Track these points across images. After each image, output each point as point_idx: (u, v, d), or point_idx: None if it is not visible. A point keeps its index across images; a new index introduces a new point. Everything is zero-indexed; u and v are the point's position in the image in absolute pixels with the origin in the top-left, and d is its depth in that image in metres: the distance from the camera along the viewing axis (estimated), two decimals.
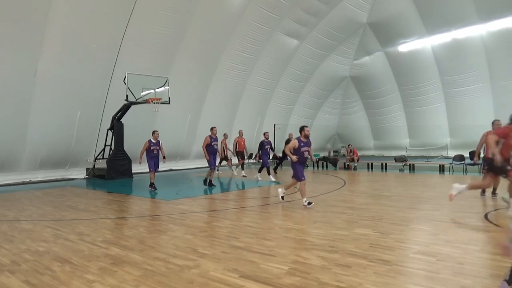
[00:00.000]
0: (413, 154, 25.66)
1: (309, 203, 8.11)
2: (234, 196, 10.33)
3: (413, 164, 17.66)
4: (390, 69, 26.13)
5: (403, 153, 24.83)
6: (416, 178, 14.35)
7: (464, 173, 15.21)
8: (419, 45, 23.99)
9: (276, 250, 4.96)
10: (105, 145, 15.87)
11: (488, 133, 8.66)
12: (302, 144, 8.22)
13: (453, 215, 7.12)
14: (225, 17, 18.11)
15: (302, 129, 8.40)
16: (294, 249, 4.97)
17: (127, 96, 14.45)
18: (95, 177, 15.67)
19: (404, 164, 17.96)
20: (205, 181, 12.34)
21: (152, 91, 15.22)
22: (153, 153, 11.36)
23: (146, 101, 14.84)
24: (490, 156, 7.23)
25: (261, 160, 14.32)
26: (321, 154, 23.84)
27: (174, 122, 18.41)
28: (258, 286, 3.72)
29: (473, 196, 9.44)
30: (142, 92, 14.94)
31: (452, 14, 21.35)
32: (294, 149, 8.20)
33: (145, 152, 11.52)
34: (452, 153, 20.59)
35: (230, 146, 16.55)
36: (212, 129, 12.13)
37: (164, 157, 11.76)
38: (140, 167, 16.94)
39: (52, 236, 5.98)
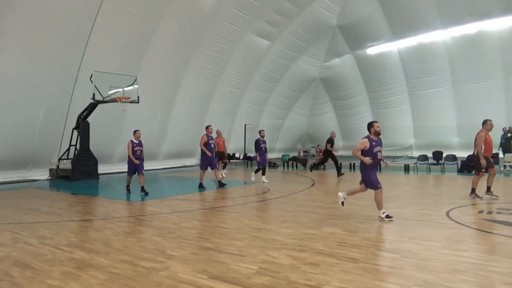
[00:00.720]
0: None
1: (388, 217, 6.67)
2: (204, 197, 10.25)
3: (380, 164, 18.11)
4: (358, 71, 26.75)
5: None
6: (383, 177, 14.72)
7: (428, 173, 15.76)
8: (387, 48, 24.71)
9: (246, 250, 4.95)
10: (70, 145, 15.34)
11: (481, 132, 8.79)
12: (373, 143, 6.85)
13: (417, 212, 7.36)
14: (197, 16, 17.94)
15: (371, 125, 6.98)
16: (264, 249, 4.98)
17: (93, 94, 14.03)
18: (59, 178, 15.11)
19: None
20: (200, 185, 11.53)
21: (120, 89, 14.84)
22: (136, 154, 10.61)
23: (113, 100, 14.46)
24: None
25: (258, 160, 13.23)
26: (291, 154, 24.07)
27: (143, 121, 18.03)
28: (228, 287, 3.70)
29: (437, 194, 9.78)
30: (110, 90, 14.54)
31: (417, 19, 22.14)
32: (364, 150, 6.83)
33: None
34: (416, 153, 21.32)
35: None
36: (207, 127, 11.59)
37: (143, 159, 10.93)
38: (106, 168, 16.49)
39: (11, 240, 5.71)
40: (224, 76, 21.89)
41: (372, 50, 25.33)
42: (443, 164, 15.99)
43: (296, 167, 20.20)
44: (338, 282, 3.77)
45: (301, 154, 29.75)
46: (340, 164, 15.45)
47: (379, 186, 6.78)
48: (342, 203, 7.48)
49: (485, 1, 19.91)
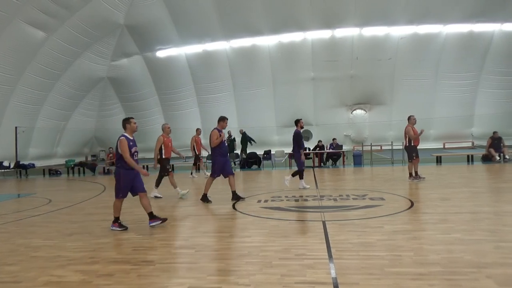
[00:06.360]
0: (172, 155, 27.01)
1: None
2: None
3: (173, 165, 18.56)
4: (148, 73, 26.62)
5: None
6: (176, 177, 15.12)
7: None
8: (175, 52, 25.51)
9: (22, 274, 4.18)
10: None
11: (408, 126, 10.67)
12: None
13: (208, 208, 7.88)
14: None
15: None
16: (46, 269, 4.32)
17: None
18: None
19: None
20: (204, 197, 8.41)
21: None
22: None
23: None
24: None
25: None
26: (77, 160, 21.87)
27: None
28: None
29: (224, 189, 10.66)
30: None
31: (202, 28, 23.78)
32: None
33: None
34: (205, 153, 22.84)
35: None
36: (223, 120, 8.44)
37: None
38: None
39: None
40: None
41: (161, 53, 25.67)
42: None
43: (84, 173, 18.47)
44: None
45: (89, 158, 27.46)
46: None
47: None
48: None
49: (257, 21, 23.16)
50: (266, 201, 8.31)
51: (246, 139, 18.93)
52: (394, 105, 25.32)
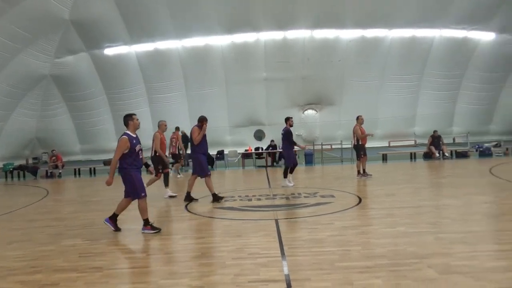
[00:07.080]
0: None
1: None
2: None
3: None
4: (96, 71, 25.46)
5: (111, 156, 24.82)
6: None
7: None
8: (125, 50, 24.62)
9: None
10: None
11: (356, 126, 11.02)
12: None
13: (160, 210, 7.71)
14: None
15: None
16: None
17: None
18: None
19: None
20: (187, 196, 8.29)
21: None
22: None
23: None
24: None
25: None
26: (16, 163, 20.47)
27: None
28: None
29: (178, 191, 10.48)
30: None
31: (153, 26, 23.14)
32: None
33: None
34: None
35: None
36: (201, 121, 8.15)
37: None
38: None
39: None
40: None
41: (110, 51, 24.65)
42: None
43: (24, 177, 17.34)
44: None
45: (30, 161, 25.82)
46: None
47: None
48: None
49: (210, 20, 22.97)
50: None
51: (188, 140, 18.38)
52: (343, 106, 26.20)
